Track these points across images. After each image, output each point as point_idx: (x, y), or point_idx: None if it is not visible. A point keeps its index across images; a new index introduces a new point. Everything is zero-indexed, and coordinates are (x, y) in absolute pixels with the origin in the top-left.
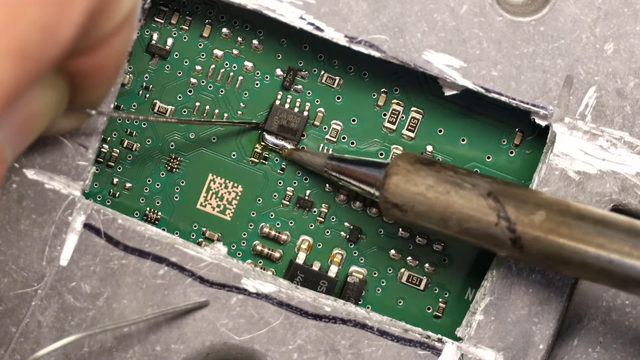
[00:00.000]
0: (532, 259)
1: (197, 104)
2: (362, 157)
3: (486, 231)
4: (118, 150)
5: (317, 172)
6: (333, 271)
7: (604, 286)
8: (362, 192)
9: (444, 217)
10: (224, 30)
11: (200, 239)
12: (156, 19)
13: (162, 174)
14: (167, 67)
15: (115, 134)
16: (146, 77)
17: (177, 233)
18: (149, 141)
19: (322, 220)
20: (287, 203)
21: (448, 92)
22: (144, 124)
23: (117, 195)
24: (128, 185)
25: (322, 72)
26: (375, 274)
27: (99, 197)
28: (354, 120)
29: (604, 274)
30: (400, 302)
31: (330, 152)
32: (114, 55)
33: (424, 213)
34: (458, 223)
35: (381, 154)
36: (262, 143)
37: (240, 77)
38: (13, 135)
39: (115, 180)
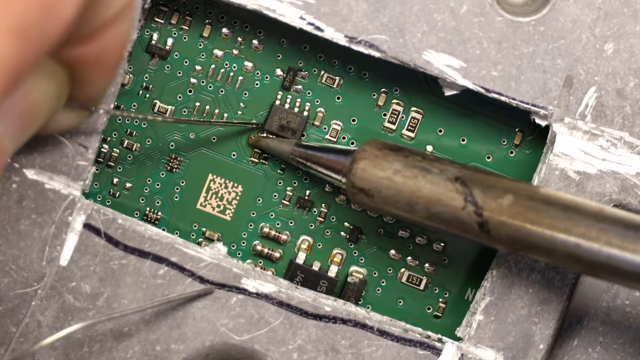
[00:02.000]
0: (499, 243)
1: (197, 104)
2: (329, 144)
3: (453, 215)
4: (118, 150)
5: (285, 159)
6: (333, 271)
7: (604, 282)
8: (329, 179)
9: (411, 202)
10: (224, 30)
11: (200, 239)
12: (156, 19)
13: (162, 174)
14: (167, 67)
15: (115, 134)
16: (146, 77)
17: (177, 233)
18: (149, 141)
19: (322, 220)
20: (287, 203)
21: (448, 92)
22: (144, 124)
23: (117, 195)
24: (128, 185)
25: (322, 72)
26: (375, 274)
27: (99, 197)
28: (354, 120)
29: (571, 259)
30: (400, 302)
31: (299, 140)
32: (113, 46)
33: (391, 198)
34: (425, 207)
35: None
36: None
37: (240, 77)
38: (12, 127)
39: (115, 180)
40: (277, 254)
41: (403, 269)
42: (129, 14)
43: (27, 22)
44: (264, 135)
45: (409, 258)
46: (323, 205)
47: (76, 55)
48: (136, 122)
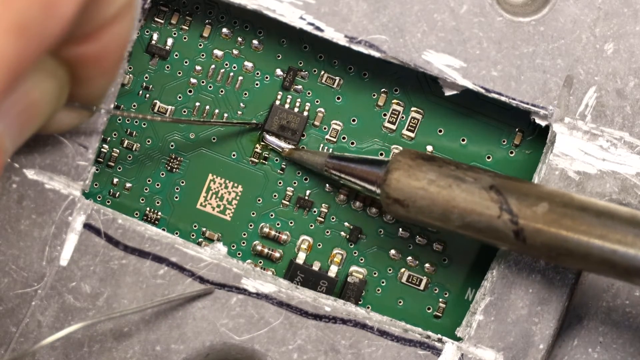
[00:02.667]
0: (535, 251)
1: (197, 104)
2: (362, 155)
3: (489, 224)
4: (118, 150)
5: (318, 171)
6: (333, 271)
7: (606, 280)
8: (363, 190)
9: (446, 211)
10: (224, 30)
11: (200, 239)
12: (156, 19)
13: (162, 174)
14: (167, 67)
15: (115, 134)
16: (146, 77)
17: (177, 233)
18: (149, 141)
19: (322, 220)
20: (287, 203)
21: (448, 92)
22: (144, 124)
23: (117, 195)
24: (128, 185)
25: (322, 72)
26: (375, 274)
27: (99, 197)
28: (354, 120)
29: (607, 265)
30: (400, 302)
31: (330, 151)
32: (113, 45)
33: (425, 208)
34: (460, 217)
35: (381, 154)
36: (262, 143)
37: (240, 77)
38: (13, 125)
39: (115, 180)
40: (277, 254)
41: (403, 269)
42: (130, 13)
43: (27, 20)
44: (297, 147)
45: (409, 258)
46: (323, 205)
47: (77, 55)
48: (136, 122)
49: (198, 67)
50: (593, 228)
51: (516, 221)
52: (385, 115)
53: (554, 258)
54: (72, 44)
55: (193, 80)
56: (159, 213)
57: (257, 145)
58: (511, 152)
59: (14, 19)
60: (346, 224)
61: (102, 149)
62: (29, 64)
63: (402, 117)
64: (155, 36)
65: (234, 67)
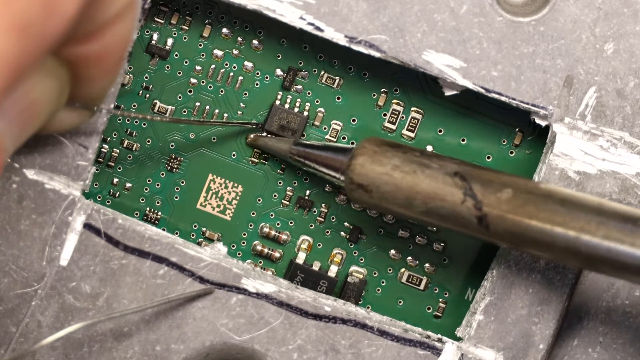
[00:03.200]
0: (498, 237)
1: (197, 104)
2: (328, 143)
3: (452, 210)
4: (118, 150)
5: (283, 158)
6: (333, 271)
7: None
8: (327, 177)
9: (409, 197)
10: (224, 30)
11: (200, 239)
12: (156, 19)
13: (162, 174)
14: (167, 67)
15: (115, 134)
16: (146, 77)
17: (177, 233)
18: (149, 141)
19: (322, 220)
20: (287, 203)
21: (448, 92)
22: (144, 124)
23: (117, 195)
24: (128, 185)
25: (322, 72)
26: (375, 274)
27: (99, 197)
28: (354, 120)
29: (570, 253)
30: (400, 302)
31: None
32: (114, 45)
33: (389, 193)
34: (423, 202)
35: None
36: None
37: (240, 77)
38: (13, 125)
39: (115, 180)
40: (277, 254)
41: (403, 269)
42: (131, 13)
43: (28, 20)
44: (262, 134)
45: (409, 258)
46: (323, 205)
47: (78, 54)
48: (136, 122)
49: (198, 67)
50: (556, 215)
51: (480, 207)
52: (385, 115)
53: (517, 245)
54: (73, 43)
55: (193, 80)
56: (159, 213)
57: None
58: (511, 152)
59: (15, 18)
60: (346, 224)
61: (102, 149)
62: (30, 64)
63: (402, 117)
64: (155, 36)
65: (234, 67)
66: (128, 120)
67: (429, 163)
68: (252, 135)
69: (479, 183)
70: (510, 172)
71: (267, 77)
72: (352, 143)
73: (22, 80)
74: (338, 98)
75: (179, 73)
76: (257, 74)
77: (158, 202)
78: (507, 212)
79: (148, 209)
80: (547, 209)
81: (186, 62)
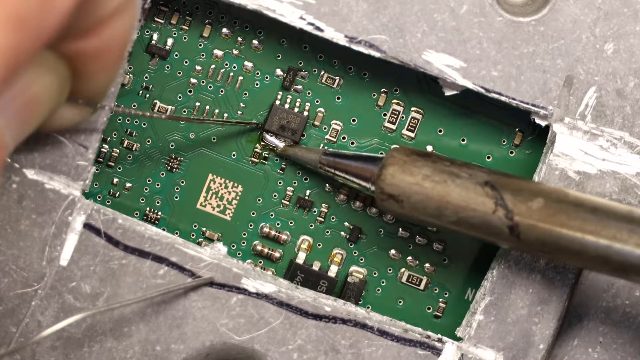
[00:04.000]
0: (530, 247)
1: (197, 104)
2: (357, 152)
3: (483, 220)
4: (118, 150)
5: (312, 168)
6: (333, 271)
7: (605, 280)
8: (357, 187)
9: (440, 207)
10: (224, 30)
11: (200, 239)
12: (156, 19)
13: (162, 174)
14: (167, 67)
15: (115, 134)
16: (146, 77)
17: (177, 233)
18: (149, 141)
19: (322, 220)
20: (287, 203)
21: (448, 92)
22: (144, 124)
23: (117, 195)
24: (128, 185)
25: (322, 72)
26: (375, 274)
27: (99, 197)
28: (354, 120)
29: (601, 261)
30: (400, 302)
31: (325, 148)
32: (114, 40)
33: (420, 203)
34: (455, 212)
35: (381, 154)
36: (262, 143)
37: (240, 77)
38: (13, 121)
39: (115, 180)
40: (277, 254)
41: (403, 269)
42: (130, 8)
43: (24, 13)
44: (291, 144)
45: (409, 258)
46: (323, 205)
47: (77, 50)
48: (136, 122)
49: (198, 67)
50: (587, 224)
51: (511, 217)
52: (385, 115)
53: (548, 254)
54: (72, 39)
55: (193, 80)
56: (159, 213)
57: (257, 145)
58: (511, 152)
59: (11, 11)
60: (346, 224)
61: (102, 149)
62: (27, 57)
63: (402, 117)
64: (155, 36)
65: (234, 67)
66: (128, 120)
67: (458, 172)
68: (282, 146)
69: (509, 192)
70: (518, 174)
71: (267, 77)
72: (353, 144)
73: (19, 74)
74: (338, 98)
75: (179, 73)
76: (257, 74)
77: (158, 202)
78: (538, 222)
79: (148, 209)
80: (578, 218)
81: (186, 62)
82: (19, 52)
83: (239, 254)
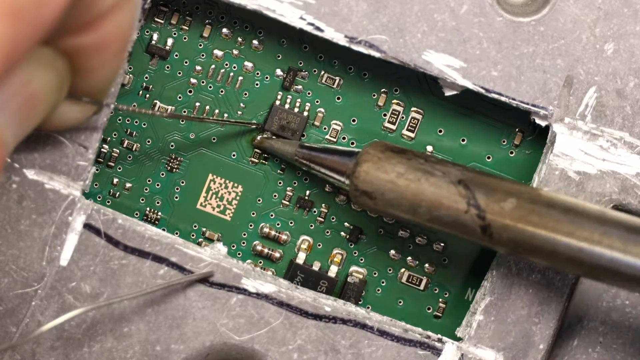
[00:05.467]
0: (502, 247)
1: (197, 104)
2: (333, 146)
3: (456, 219)
4: (118, 150)
5: (288, 160)
6: (333, 271)
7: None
8: (332, 180)
9: (413, 205)
10: (224, 30)
11: (200, 239)
12: (156, 19)
13: (162, 174)
14: (167, 67)
15: (115, 134)
16: (146, 77)
17: (177, 233)
18: (149, 141)
19: (322, 220)
20: (287, 203)
21: (448, 92)
22: (144, 124)
23: (117, 195)
24: (128, 185)
25: (322, 72)
26: (375, 274)
27: (99, 197)
28: (354, 120)
29: (573, 263)
30: (400, 302)
31: (302, 141)
32: (113, 36)
33: (393, 201)
34: (428, 210)
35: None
36: None
37: (240, 77)
38: (13, 118)
39: (115, 180)
40: (277, 254)
41: (403, 269)
42: (130, 3)
43: (20, 4)
44: (268, 136)
45: (409, 258)
46: (323, 205)
47: (76, 45)
48: (136, 122)
49: (198, 67)
50: (560, 225)
51: (483, 216)
52: (385, 115)
53: (521, 254)
54: (71, 34)
55: (193, 80)
56: (159, 213)
57: None
58: (511, 152)
59: (7, 3)
60: (346, 224)
61: (102, 149)
62: (24, 50)
63: (402, 117)
64: (155, 36)
65: (234, 67)
66: (128, 120)
67: (432, 170)
68: (258, 138)
69: (482, 192)
70: (509, 174)
71: (267, 77)
72: (353, 144)
73: (16, 67)
74: (338, 98)
75: (179, 73)
76: (257, 74)
77: (158, 202)
78: (510, 222)
79: (148, 209)
80: (551, 219)
81: (186, 62)
82: (16, 44)
83: (239, 254)
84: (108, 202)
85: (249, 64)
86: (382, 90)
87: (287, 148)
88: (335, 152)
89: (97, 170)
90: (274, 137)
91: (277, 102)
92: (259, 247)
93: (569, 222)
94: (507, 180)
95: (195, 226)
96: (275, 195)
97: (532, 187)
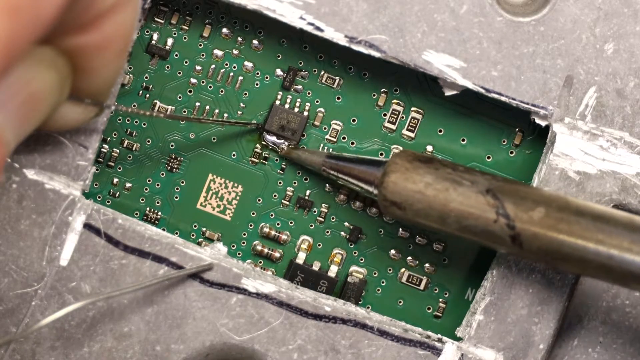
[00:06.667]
0: (531, 255)
1: (197, 104)
2: (360, 155)
3: (485, 228)
4: (118, 150)
5: (316, 170)
6: (333, 271)
7: (604, 282)
8: (360, 190)
9: (442, 215)
10: (224, 30)
11: (200, 239)
12: (156, 19)
13: (162, 174)
14: (167, 67)
15: (115, 134)
16: (146, 77)
17: (177, 233)
18: (149, 141)
19: (322, 220)
20: (287, 203)
21: (448, 92)
22: (144, 124)
23: (117, 195)
24: (128, 185)
25: (322, 72)
26: (375, 274)
27: (99, 197)
28: (354, 120)
29: (603, 270)
30: (400, 302)
31: (330, 151)
32: (114, 35)
33: (422, 211)
34: (457, 220)
35: (381, 154)
36: (262, 143)
37: (240, 77)
38: (14, 118)
39: (115, 180)
40: (277, 254)
41: (403, 269)
42: (131, 3)
43: (19, 2)
44: (294, 146)
45: (409, 258)
46: (323, 205)
47: (77, 44)
48: (136, 122)
49: (198, 67)
50: (589, 233)
51: (513, 226)
52: (385, 115)
53: (550, 262)
54: (72, 33)
55: (193, 80)
56: (159, 213)
57: (257, 145)
58: (511, 152)
59: (5, 0)
60: (346, 224)
61: (102, 149)
62: (22, 48)
63: (402, 117)
64: (155, 36)
65: (234, 67)
66: (128, 120)
67: (460, 180)
68: (285, 148)
69: (511, 201)
70: (509, 174)
71: (267, 77)
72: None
73: (15, 65)
74: (338, 98)
75: (179, 73)
76: (257, 74)
77: (158, 202)
78: (540, 231)
79: (148, 209)
80: (580, 227)
81: (186, 62)
82: (14, 41)
83: (239, 254)
84: (108, 202)
85: (249, 64)
86: (382, 90)
87: (315, 158)
88: (362, 161)
89: (97, 170)
90: (302, 147)
91: (277, 102)
92: (259, 247)
93: (598, 230)
94: (536, 189)
95: (195, 226)
96: (275, 195)
97: (561, 195)
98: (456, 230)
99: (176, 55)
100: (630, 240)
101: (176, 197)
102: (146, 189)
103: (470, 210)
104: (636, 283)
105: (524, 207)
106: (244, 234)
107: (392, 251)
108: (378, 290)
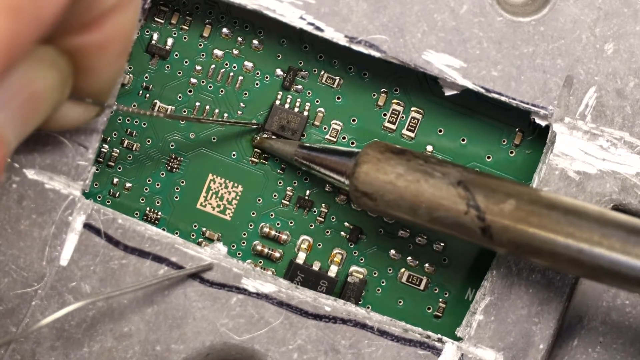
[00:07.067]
0: (501, 248)
1: (197, 104)
2: (332, 146)
3: (456, 220)
4: (118, 150)
5: (288, 160)
6: (333, 271)
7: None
8: (332, 181)
9: (413, 206)
10: (224, 30)
11: (200, 239)
12: (156, 19)
13: (162, 174)
14: (167, 67)
15: (115, 134)
16: (146, 77)
17: (177, 233)
18: (149, 141)
19: (322, 220)
20: (287, 203)
21: (448, 92)
22: (144, 124)
23: (117, 195)
24: (128, 185)
25: (322, 72)
26: (375, 274)
27: (99, 197)
28: (354, 120)
29: (573, 264)
30: (400, 302)
31: (302, 141)
32: (116, 35)
33: (393, 202)
34: (428, 212)
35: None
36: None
37: (240, 77)
38: (15, 117)
39: (115, 180)
40: (277, 254)
41: (403, 269)
42: (132, 3)
43: (20, 2)
44: (267, 136)
45: (409, 258)
46: (323, 205)
47: (79, 44)
48: (136, 122)
49: (198, 67)
50: (560, 226)
51: (483, 218)
52: (385, 115)
53: (521, 256)
54: (73, 33)
55: (193, 80)
56: (159, 213)
57: None
58: (511, 152)
59: (7, 0)
60: (346, 224)
61: (102, 149)
62: (24, 47)
63: (402, 117)
64: (155, 36)
65: (234, 67)
66: (128, 120)
67: (432, 171)
68: (257, 137)
69: (482, 193)
70: (509, 174)
71: (267, 77)
72: (353, 143)
73: (17, 64)
74: (338, 98)
75: (179, 73)
76: (257, 74)
77: (158, 202)
78: (510, 223)
79: (148, 209)
80: (551, 220)
81: (186, 62)
82: (15, 41)
83: (239, 254)
84: (108, 202)
85: (249, 64)
86: (382, 90)
87: (287, 148)
88: (334, 152)
89: (97, 170)
90: (273, 136)
91: (277, 102)
92: (259, 247)
93: (569, 223)
94: (507, 181)
95: (195, 226)
96: (275, 195)
97: (532, 188)
98: (427, 222)
99: (176, 55)
100: (600, 234)
101: (176, 197)
102: (146, 189)
103: (441, 202)
104: (606, 277)
105: (495, 200)
106: (244, 234)
107: (392, 251)
108: (378, 290)
